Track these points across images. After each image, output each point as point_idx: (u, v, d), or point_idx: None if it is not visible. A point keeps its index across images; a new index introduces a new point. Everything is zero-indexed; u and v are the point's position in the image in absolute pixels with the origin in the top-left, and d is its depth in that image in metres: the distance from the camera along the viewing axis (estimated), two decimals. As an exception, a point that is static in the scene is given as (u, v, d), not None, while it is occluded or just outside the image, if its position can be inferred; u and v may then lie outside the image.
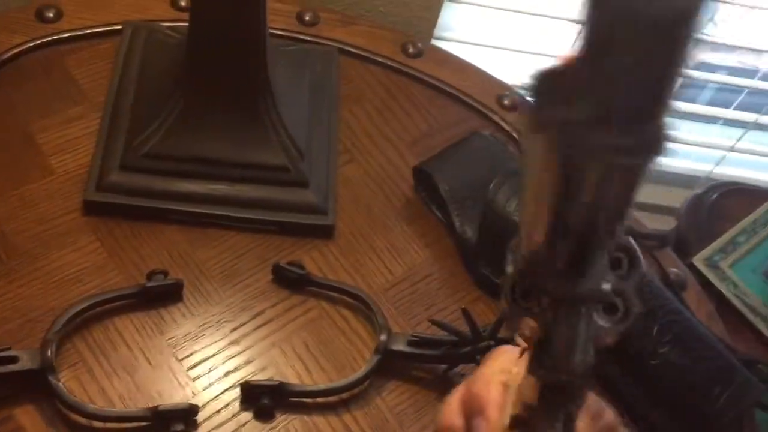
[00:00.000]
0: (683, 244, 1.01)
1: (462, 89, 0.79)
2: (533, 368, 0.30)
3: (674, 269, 0.71)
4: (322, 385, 0.58)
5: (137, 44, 0.71)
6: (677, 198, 1.23)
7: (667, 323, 0.60)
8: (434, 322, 0.60)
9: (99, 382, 0.56)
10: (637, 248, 0.28)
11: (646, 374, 0.60)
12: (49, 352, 0.54)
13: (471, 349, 0.58)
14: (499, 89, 0.80)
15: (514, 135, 0.77)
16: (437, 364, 0.60)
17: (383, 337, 0.59)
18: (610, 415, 0.39)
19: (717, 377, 0.60)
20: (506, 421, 0.35)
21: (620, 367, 0.61)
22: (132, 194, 0.64)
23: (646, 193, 1.29)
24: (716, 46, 1.33)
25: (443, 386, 0.60)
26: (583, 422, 0.35)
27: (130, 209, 0.64)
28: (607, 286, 0.28)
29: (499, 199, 0.64)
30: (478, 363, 0.57)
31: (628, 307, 0.28)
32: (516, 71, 1.00)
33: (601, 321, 0.28)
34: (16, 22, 0.72)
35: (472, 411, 0.38)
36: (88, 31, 0.74)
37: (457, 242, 0.68)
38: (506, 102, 0.79)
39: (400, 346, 0.59)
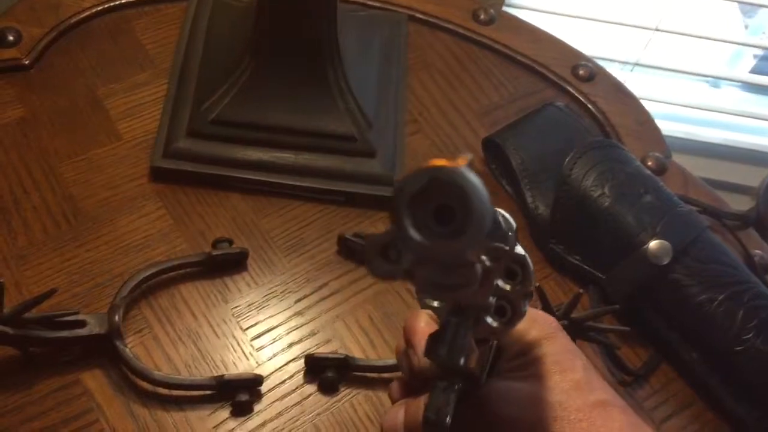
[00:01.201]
0: (762, 225, 0.97)
1: (535, 58, 0.76)
2: (426, 353, 0.35)
3: (758, 251, 0.67)
4: (389, 360, 0.57)
5: (204, 8, 0.70)
6: (754, 176, 1.18)
7: (752, 308, 0.57)
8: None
9: (164, 349, 0.56)
10: (529, 262, 0.34)
11: (729, 361, 0.57)
12: (116, 317, 0.54)
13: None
14: (574, 59, 0.77)
15: (589, 107, 0.74)
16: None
17: (451, 313, 0.57)
18: (604, 392, 0.38)
19: (805, 367, 0.56)
20: None
21: (700, 354, 0.58)
22: (199, 161, 0.63)
23: (722, 171, 1.24)
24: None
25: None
26: (569, 395, 0.37)
27: (196, 176, 0.63)
28: (492, 300, 0.34)
29: (576, 174, 0.61)
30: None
31: (515, 311, 0.34)
32: (591, 40, 0.96)
33: (493, 322, 0.34)
34: (85, -15, 0.72)
35: (406, 342, 0.42)
36: (156, -5, 0.73)
37: (527, 218, 0.65)
38: (581, 72, 0.76)
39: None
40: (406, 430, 0.40)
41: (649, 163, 0.70)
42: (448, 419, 0.34)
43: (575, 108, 0.73)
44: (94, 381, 0.54)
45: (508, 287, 0.34)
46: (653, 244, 0.58)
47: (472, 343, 0.34)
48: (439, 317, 0.36)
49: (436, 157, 0.28)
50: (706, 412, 0.60)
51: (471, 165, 0.27)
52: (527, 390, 0.38)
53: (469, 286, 0.30)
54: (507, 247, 0.33)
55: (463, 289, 0.31)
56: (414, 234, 0.26)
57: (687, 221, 0.60)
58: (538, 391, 0.37)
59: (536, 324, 0.40)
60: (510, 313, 0.34)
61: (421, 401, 0.39)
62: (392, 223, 0.27)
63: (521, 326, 0.39)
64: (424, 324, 0.41)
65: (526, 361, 0.39)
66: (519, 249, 0.34)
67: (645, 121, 0.74)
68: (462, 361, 0.34)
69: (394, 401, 0.43)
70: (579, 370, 0.38)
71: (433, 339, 0.34)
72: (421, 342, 0.40)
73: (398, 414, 0.40)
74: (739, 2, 1.16)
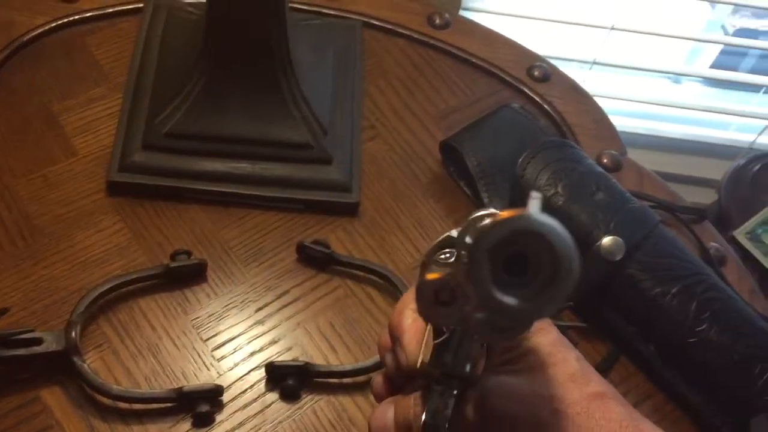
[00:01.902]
0: (725, 217, 0.98)
1: (491, 61, 0.77)
2: (431, 361, 0.35)
3: (714, 243, 0.68)
4: (348, 366, 0.57)
5: (158, 22, 0.70)
6: (718, 170, 1.20)
7: (705, 300, 0.58)
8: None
9: (124, 364, 0.56)
10: None
11: (683, 353, 0.58)
12: (73, 334, 0.53)
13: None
14: (530, 60, 0.78)
15: (545, 107, 0.75)
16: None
17: (410, 317, 0.58)
18: (600, 384, 0.37)
19: (758, 355, 0.57)
20: (426, 351, 0.38)
21: (657, 347, 0.59)
22: (155, 174, 0.63)
23: (685, 165, 1.25)
24: (758, 12, 1.28)
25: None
26: (566, 387, 0.36)
27: (153, 189, 0.63)
28: None
29: (529, 174, 0.62)
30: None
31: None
32: (546, 41, 0.97)
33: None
34: (38, 2, 0.72)
35: (393, 340, 0.41)
36: (110, 9, 0.73)
37: (485, 218, 0.66)
38: (536, 73, 0.77)
39: (427, 326, 0.58)
40: (396, 428, 0.39)
41: (605, 161, 0.71)
42: (447, 423, 0.34)
43: (531, 109, 0.74)
44: (53, 398, 0.54)
45: None
46: (606, 240, 0.59)
47: (478, 350, 0.34)
48: (441, 324, 0.35)
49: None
50: (666, 404, 0.60)
51: (543, 201, 0.26)
52: (522, 384, 0.37)
53: (525, 329, 0.30)
54: None
55: (517, 332, 0.30)
56: (503, 297, 0.25)
57: (639, 217, 0.61)
58: (534, 385, 0.36)
59: None
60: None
61: (411, 399, 0.38)
62: (469, 280, 0.26)
63: None
64: (412, 321, 0.40)
65: (518, 354, 0.38)
66: None
67: (600, 119, 0.75)
68: (468, 368, 0.33)
69: (378, 397, 0.43)
70: (573, 362, 0.37)
71: (439, 347, 0.34)
72: (411, 340, 0.39)
73: (387, 413, 0.40)
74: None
